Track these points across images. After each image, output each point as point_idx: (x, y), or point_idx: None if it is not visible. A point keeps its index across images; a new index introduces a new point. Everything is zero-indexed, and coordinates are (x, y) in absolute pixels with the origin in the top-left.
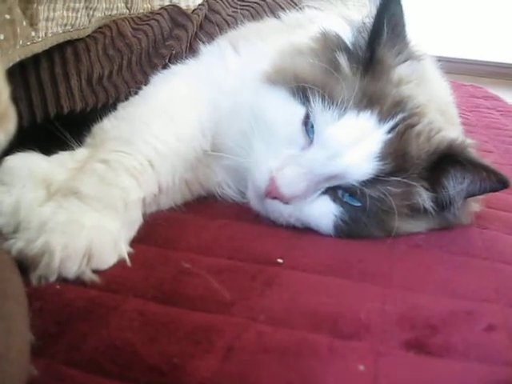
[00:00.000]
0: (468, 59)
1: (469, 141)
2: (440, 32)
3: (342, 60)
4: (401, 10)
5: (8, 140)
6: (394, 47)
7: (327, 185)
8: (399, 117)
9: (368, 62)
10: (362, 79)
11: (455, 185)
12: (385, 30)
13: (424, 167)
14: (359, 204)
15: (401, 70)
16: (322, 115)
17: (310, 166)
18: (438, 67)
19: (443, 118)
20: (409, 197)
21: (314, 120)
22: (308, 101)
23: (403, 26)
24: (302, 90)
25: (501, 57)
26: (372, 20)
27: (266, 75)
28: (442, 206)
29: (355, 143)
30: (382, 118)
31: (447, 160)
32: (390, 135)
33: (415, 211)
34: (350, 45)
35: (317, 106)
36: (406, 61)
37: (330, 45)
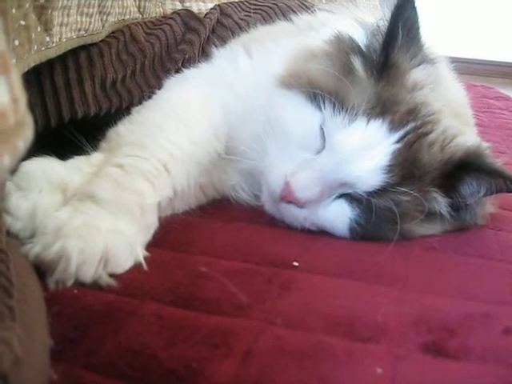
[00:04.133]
0: (479, 59)
1: (484, 144)
2: (451, 32)
3: (357, 63)
4: (415, 13)
5: (26, 147)
6: (409, 51)
7: (340, 191)
8: (410, 126)
9: (383, 66)
10: (377, 84)
11: (472, 192)
12: (400, 34)
13: (438, 175)
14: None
15: (416, 74)
16: (332, 120)
17: (322, 171)
18: (452, 68)
19: (458, 120)
20: (421, 203)
21: (324, 125)
22: (323, 105)
23: (418, 29)
24: (317, 95)
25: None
26: (386, 23)
27: (279, 79)
28: (458, 209)
29: (364, 151)
30: (393, 127)
31: (463, 168)
32: (399, 145)
33: (430, 215)
34: (364, 48)
35: (328, 111)
36: (420, 64)
37: (343, 48)
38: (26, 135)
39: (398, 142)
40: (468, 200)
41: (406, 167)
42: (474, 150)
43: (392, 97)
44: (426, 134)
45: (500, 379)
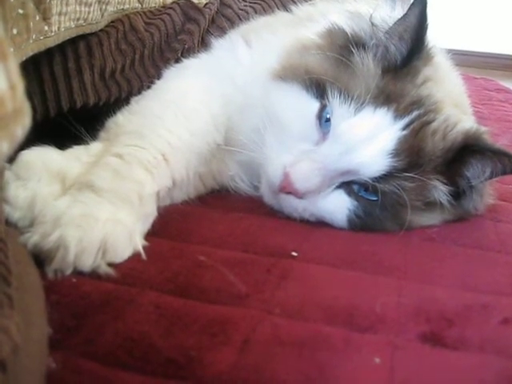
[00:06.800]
0: (479, 52)
1: (483, 128)
2: (451, 25)
3: (355, 55)
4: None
5: (24, 134)
6: (423, 52)
7: (341, 180)
8: (415, 114)
9: (395, 63)
10: (382, 77)
11: (478, 174)
12: (424, 44)
13: (440, 163)
14: (374, 198)
15: (426, 72)
16: (339, 109)
17: (324, 161)
18: (448, 58)
19: (458, 109)
20: (423, 191)
21: (332, 114)
22: (324, 94)
23: (427, 27)
24: (315, 84)
25: None
26: (395, 22)
27: (274, 72)
28: (460, 196)
29: (369, 139)
30: (398, 114)
31: (466, 151)
32: (404, 132)
33: (430, 205)
34: (363, 40)
35: (335, 99)
36: (429, 63)
37: (337, 40)
38: (24, 122)
39: (403, 129)
40: (473, 182)
41: (412, 155)
42: (473, 132)
43: (398, 90)
44: (429, 122)
45: (498, 369)
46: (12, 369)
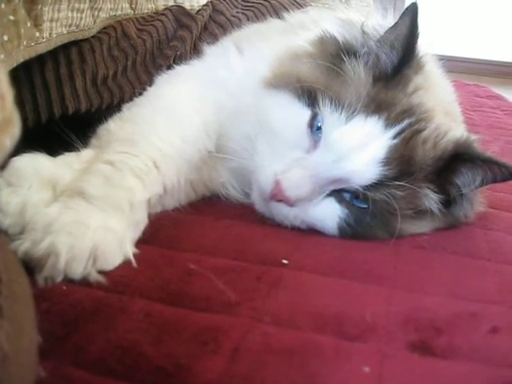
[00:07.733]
0: (471, 58)
1: (473, 137)
2: (443, 31)
3: (346, 63)
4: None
5: (13, 144)
6: (413, 61)
7: (332, 187)
8: (406, 122)
9: (387, 74)
10: (373, 85)
11: (468, 182)
12: (415, 53)
13: (431, 171)
14: (365, 206)
15: (416, 81)
16: (331, 117)
17: (315, 169)
18: (439, 65)
19: (449, 118)
20: (414, 200)
21: (323, 122)
22: (316, 103)
23: (418, 36)
24: (307, 93)
25: (504, 56)
26: (398, 35)
27: (266, 80)
28: (451, 204)
29: (361, 148)
30: (389, 123)
31: (456, 159)
32: (395, 140)
33: (421, 213)
34: (354, 49)
35: (326, 108)
36: (420, 71)
37: (328, 48)
38: (13, 133)
39: (394, 137)
40: (464, 190)
41: (403, 163)
42: (463, 140)
43: (389, 99)
44: (420, 131)
45: (487, 378)
46: (1, 378)
